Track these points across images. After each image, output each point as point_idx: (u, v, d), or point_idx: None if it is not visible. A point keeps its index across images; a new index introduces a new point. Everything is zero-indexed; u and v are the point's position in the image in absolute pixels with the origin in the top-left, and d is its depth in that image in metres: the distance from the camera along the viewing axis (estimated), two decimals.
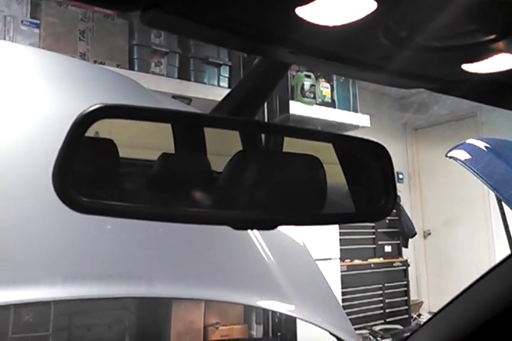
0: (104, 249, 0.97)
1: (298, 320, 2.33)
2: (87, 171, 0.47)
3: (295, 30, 0.34)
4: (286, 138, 0.60)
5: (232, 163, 0.55)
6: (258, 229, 0.52)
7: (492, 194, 3.81)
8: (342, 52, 0.37)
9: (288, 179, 0.59)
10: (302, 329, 2.92)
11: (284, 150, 0.61)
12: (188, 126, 0.57)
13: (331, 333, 1.15)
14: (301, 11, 0.31)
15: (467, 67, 0.38)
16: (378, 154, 0.53)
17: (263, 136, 0.64)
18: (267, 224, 0.49)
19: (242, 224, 0.48)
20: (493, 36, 0.34)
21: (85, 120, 0.39)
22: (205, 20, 0.33)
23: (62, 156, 0.38)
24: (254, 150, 0.63)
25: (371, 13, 0.30)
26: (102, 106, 0.39)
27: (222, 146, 0.68)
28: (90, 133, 0.57)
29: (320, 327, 1.12)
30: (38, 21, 2.98)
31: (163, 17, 0.32)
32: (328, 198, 0.59)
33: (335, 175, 0.62)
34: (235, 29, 0.34)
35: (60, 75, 1.23)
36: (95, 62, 3.06)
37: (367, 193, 0.58)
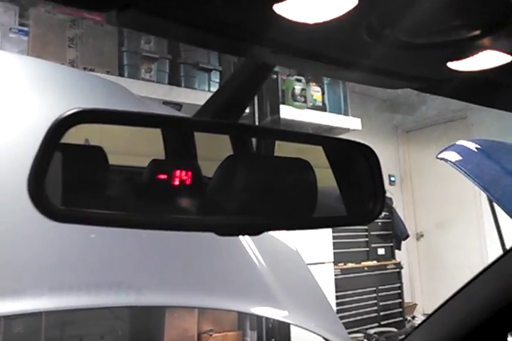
0: (91, 257, 0.96)
1: (292, 326, 2.32)
2: (71, 179, 0.46)
3: (274, 29, 0.33)
4: (278, 143, 0.60)
5: (222, 168, 0.54)
6: (244, 234, 0.50)
7: (483, 195, 3.84)
8: (324, 51, 0.36)
9: (278, 183, 0.58)
10: (296, 334, 2.90)
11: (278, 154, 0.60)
12: (174, 131, 0.56)
13: (324, 338, 1.13)
14: (279, 8, 0.30)
15: (452, 65, 0.37)
16: (366, 156, 0.52)
17: (254, 140, 0.63)
18: (252, 229, 0.48)
19: (227, 230, 0.47)
20: (477, 32, 0.33)
21: (62, 125, 0.38)
22: (182, 20, 0.32)
23: (37, 163, 0.37)
24: (245, 155, 0.63)
25: (352, 10, 0.29)
26: (80, 111, 0.38)
27: (213, 151, 0.68)
28: (80, 140, 0.56)
29: (313, 332, 1.11)
30: (27, 29, 2.97)
31: (139, 17, 0.31)
32: (319, 202, 0.58)
33: (327, 179, 0.62)
34: (213, 28, 0.33)
35: (47, 82, 1.22)
36: (85, 69, 3.05)
37: (357, 196, 0.58)
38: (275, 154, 0.61)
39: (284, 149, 0.60)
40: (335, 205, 0.62)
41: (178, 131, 0.55)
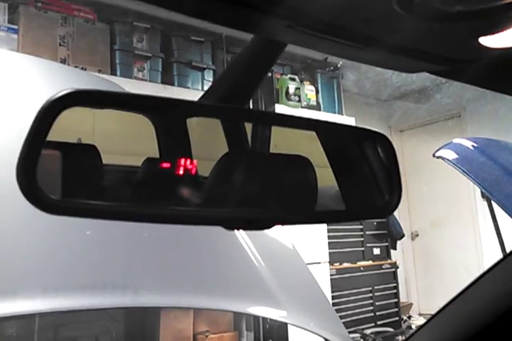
0: (86, 257, 0.93)
1: (289, 325, 2.30)
2: (67, 172, 0.44)
3: None
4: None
5: (220, 165, 0.52)
6: (253, 229, 0.48)
7: (478, 194, 3.84)
8: (346, 22, 0.33)
9: (277, 180, 0.57)
10: (294, 334, 2.88)
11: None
12: (171, 118, 0.54)
13: (324, 338, 1.11)
14: None
15: (485, 40, 0.34)
16: (380, 145, 0.50)
17: (249, 136, 0.62)
18: (262, 223, 0.45)
19: (235, 224, 0.45)
20: None
21: (54, 107, 0.35)
22: None
23: (27, 149, 0.34)
24: (241, 152, 0.61)
25: None
26: (73, 92, 0.35)
27: (207, 151, 0.66)
28: (73, 139, 0.54)
29: (313, 332, 1.09)
30: (16, 27, 2.92)
31: None
32: (323, 197, 0.57)
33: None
34: None
35: (39, 79, 1.19)
36: (76, 67, 3.01)
37: (363, 190, 0.55)
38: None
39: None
40: (338, 201, 0.61)
41: (179, 118, 0.52)
